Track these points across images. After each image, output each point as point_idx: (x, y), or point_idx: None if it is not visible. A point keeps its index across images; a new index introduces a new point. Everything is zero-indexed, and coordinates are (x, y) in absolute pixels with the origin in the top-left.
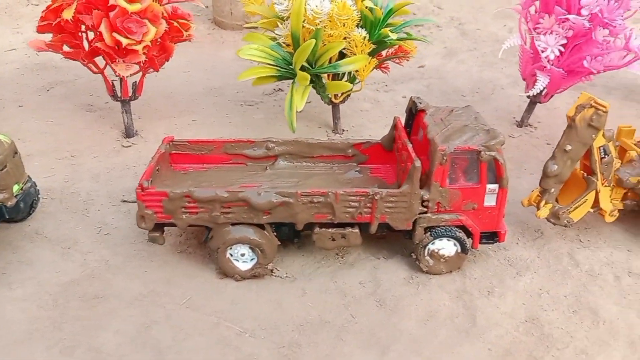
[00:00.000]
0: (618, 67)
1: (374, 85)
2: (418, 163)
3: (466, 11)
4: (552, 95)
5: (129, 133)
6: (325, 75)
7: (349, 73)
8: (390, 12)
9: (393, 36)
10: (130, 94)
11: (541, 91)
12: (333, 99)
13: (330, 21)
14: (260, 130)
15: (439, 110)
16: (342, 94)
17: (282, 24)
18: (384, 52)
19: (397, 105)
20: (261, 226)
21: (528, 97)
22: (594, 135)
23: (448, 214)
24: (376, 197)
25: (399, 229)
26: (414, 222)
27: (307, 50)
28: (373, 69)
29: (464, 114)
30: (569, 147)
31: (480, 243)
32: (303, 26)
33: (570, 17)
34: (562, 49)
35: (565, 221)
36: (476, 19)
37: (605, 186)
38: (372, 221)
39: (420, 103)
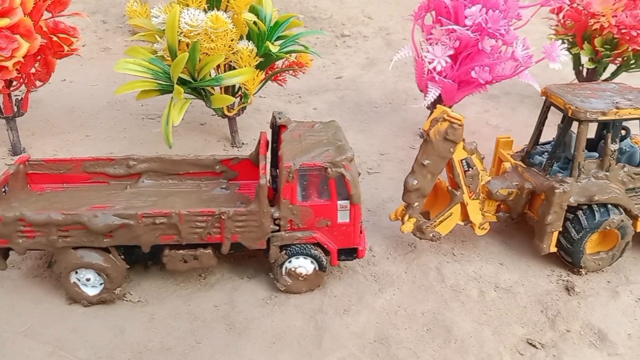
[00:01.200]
0: (508, 76)
1: (286, 96)
2: (263, 181)
3: (395, 21)
4: (450, 106)
5: (15, 150)
6: (219, 88)
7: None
8: (277, 25)
9: (274, 49)
10: (13, 111)
11: (436, 102)
12: (226, 112)
13: (206, 34)
14: (153, 145)
15: (300, 126)
16: (237, 106)
17: (161, 37)
18: (280, 64)
19: (307, 117)
20: (106, 249)
21: (427, 108)
22: (452, 149)
23: (301, 231)
24: (223, 217)
25: (252, 248)
26: (268, 241)
27: (180, 64)
28: (266, 82)
29: (324, 130)
30: (426, 161)
31: (339, 260)
32: (180, 40)
33: (456, 27)
34: (448, 60)
35: (431, 235)
36: (404, 29)
37: (473, 199)
38: (222, 241)
39: (280, 118)
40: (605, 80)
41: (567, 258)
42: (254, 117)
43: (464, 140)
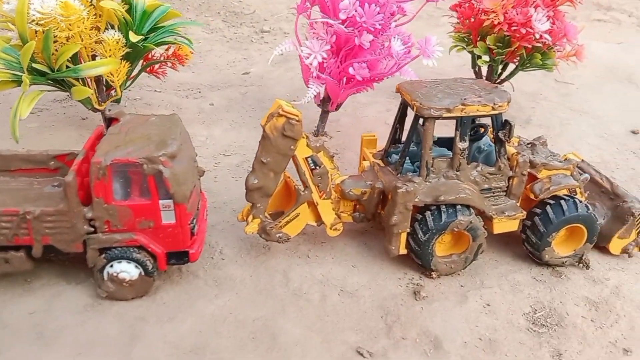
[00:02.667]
0: (389, 73)
1: (185, 91)
2: (70, 177)
3: (277, 17)
4: (339, 104)
5: None
6: (88, 80)
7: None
8: (145, 14)
9: (133, 39)
10: None
11: (328, 100)
12: (96, 106)
13: (56, 22)
14: (27, 140)
15: (135, 119)
16: (108, 99)
17: (14, 25)
18: (159, 56)
19: (201, 112)
20: None
21: (318, 105)
22: (292, 146)
23: (121, 233)
24: (29, 217)
25: (68, 251)
26: (86, 243)
27: (27, 53)
28: (138, 74)
29: (158, 124)
30: (266, 159)
31: (170, 264)
32: (33, 28)
33: (330, 21)
34: (324, 55)
35: (277, 236)
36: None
37: (324, 199)
38: (32, 243)
39: (110, 110)
40: (502, 80)
41: (417, 260)
42: (143, 111)
43: (307, 137)
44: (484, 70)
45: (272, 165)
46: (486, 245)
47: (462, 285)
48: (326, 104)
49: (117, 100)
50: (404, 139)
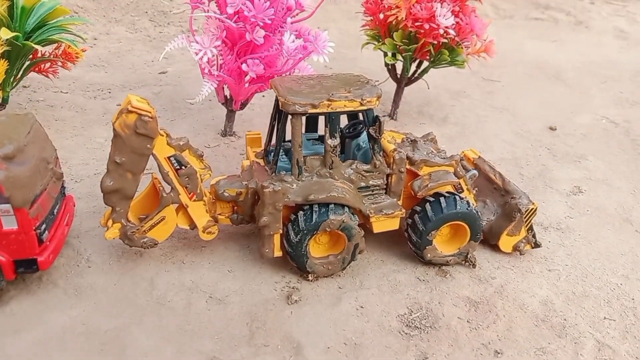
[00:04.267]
0: (287, 70)
1: (93, 91)
2: None
3: (175, 13)
4: (242, 103)
5: None
6: None
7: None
8: (24, 11)
9: (4, 35)
10: None
11: (230, 99)
12: None
13: None
14: None
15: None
16: None
17: None
18: (48, 55)
19: (106, 114)
20: None
21: (222, 103)
22: (148, 145)
23: None
24: None
25: None
26: None
27: None
28: (25, 73)
29: (6, 123)
30: (121, 159)
31: (18, 272)
32: None
33: (218, 15)
34: (214, 51)
35: (142, 242)
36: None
37: (195, 200)
38: None
39: None
40: (416, 78)
41: (293, 263)
42: (44, 113)
43: (167, 135)
44: (399, 68)
45: (128, 166)
46: (364, 245)
47: (340, 287)
48: (230, 102)
49: (4, 101)
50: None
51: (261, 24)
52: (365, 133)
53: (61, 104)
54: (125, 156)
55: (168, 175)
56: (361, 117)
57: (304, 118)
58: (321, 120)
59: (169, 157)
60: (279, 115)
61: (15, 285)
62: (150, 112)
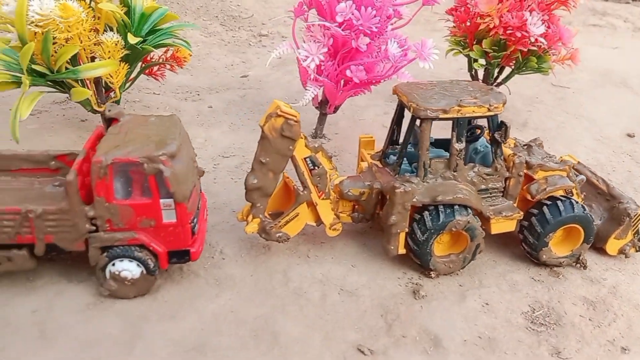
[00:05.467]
0: (387, 76)
1: (184, 93)
2: (72, 176)
3: (275, 20)
4: (336, 107)
5: None
6: (87, 82)
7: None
8: (143, 17)
9: (132, 40)
10: None
11: (326, 102)
12: (96, 107)
13: (55, 23)
14: (26, 141)
15: (134, 119)
16: (108, 101)
17: (13, 26)
18: (158, 59)
19: (199, 115)
20: None
21: (315, 107)
22: (291, 147)
23: (122, 232)
24: (31, 215)
25: (70, 250)
26: (88, 242)
27: (27, 54)
28: (137, 75)
29: (158, 124)
30: (265, 159)
31: (172, 263)
32: (33, 30)
33: (327, 23)
34: (322, 57)
35: (277, 236)
36: None
37: (323, 199)
38: (34, 242)
39: (110, 111)
40: (499, 83)
41: (416, 260)
42: (141, 113)
43: (305, 137)
44: (480, 73)
45: (271, 166)
46: (484, 246)
47: (460, 285)
48: (324, 106)
49: (117, 102)
50: (401, 140)
51: (368, 32)
52: (483, 138)
53: (157, 105)
54: (270, 156)
55: (303, 174)
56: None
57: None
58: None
59: (305, 158)
60: (399, 118)
61: (160, 275)
62: (295, 117)
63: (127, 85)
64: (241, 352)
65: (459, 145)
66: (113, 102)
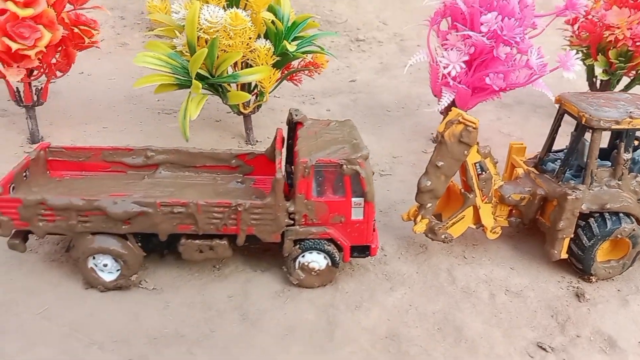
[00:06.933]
0: (522, 84)
1: (300, 97)
2: (280, 175)
3: (410, 27)
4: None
5: (33, 139)
6: (235, 85)
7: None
8: (294, 25)
9: (292, 48)
10: (33, 100)
11: (450, 107)
12: (242, 109)
13: (224, 31)
14: (169, 139)
15: (316, 123)
16: (252, 104)
17: (180, 32)
18: (296, 65)
19: (320, 118)
20: (124, 236)
21: (441, 113)
22: (466, 152)
23: (316, 226)
24: (240, 209)
25: (267, 241)
26: (283, 235)
27: (199, 60)
28: (281, 81)
29: (339, 128)
30: (440, 163)
31: (352, 256)
32: (200, 36)
33: (471, 33)
34: (463, 65)
35: (443, 237)
36: (419, 36)
37: (486, 203)
38: (238, 233)
39: (297, 115)
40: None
41: (578, 265)
42: (268, 116)
43: (478, 143)
44: (598, 82)
45: (444, 169)
46: None
47: (618, 290)
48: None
49: (259, 106)
50: (555, 147)
51: (512, 42)
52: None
53: (280, 108)
54: (445, 161)
55: (472, 179)
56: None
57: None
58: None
59: (475, 163)
60: (558, 127)
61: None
62: (475, 124)
63: (272, 89)
64: (431, 343)
65: (626, 155)
66: (256, 105)
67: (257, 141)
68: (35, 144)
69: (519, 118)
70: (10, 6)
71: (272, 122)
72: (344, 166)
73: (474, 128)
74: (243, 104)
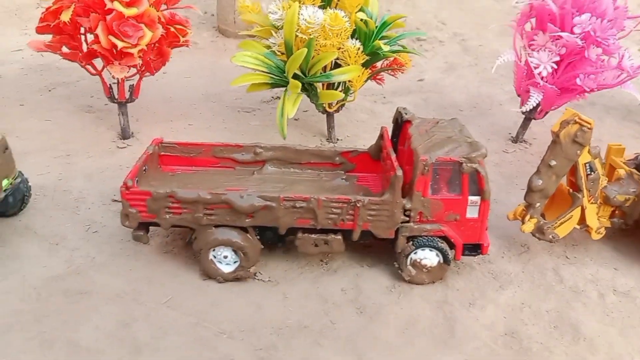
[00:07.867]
0: (611, 85)
1: (372, 96)
2: (400, 172)
3: (469, 27)
4: (546, 112)
5: (124, 135)
6: (320, 84)
7: (344, 83)
8: (384, 25)
9: (385, 48)
10: (126, 96)
11: (535, 107)
12: (327, 108)
13: (323, 31)
14: (254, 136)
15: (425, 122)
16: (336, 103)
17: (276, 32)
18: (378, 64)
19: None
20: (244, 229)
21: (523, 113)
22: (578, 152)
23: (430, 224)
24: (358, 205)
25: (382, 237)
26: (397, 231)
27: (299, 59)
28: (367, 80)
29: (449, 126)
30: (553, 163)
31: (463, 254)
32: (296, 35)
33: (563, 34)
34: (554, 66)
35: (550, 236)
36: (479, 36)
37: (592, 203)
38: (354, 228)
39: (406, 114)
40: None
41: None
42: (344, 115)
43: (589, 144)
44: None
45: (557, 169)
46: None
47: None
48: (533, 111)
49: (342, 105)
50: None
51: (605, 44)
52: None
53: (354, 107)
54: (558, 160)
55: (581, 179)
56: None
57: None
58: None
59: (585, 163)
60: None
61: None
62: (590, 124)
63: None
64: (550, 340)
65: None
66: (341, 104)
67: (337, 139)
68: (126, 139)
69: (594, 119)
70: (117, 6)
71: (349, 120)
72: (464, 164)
73: (589, 128)
74: (329, 102)
